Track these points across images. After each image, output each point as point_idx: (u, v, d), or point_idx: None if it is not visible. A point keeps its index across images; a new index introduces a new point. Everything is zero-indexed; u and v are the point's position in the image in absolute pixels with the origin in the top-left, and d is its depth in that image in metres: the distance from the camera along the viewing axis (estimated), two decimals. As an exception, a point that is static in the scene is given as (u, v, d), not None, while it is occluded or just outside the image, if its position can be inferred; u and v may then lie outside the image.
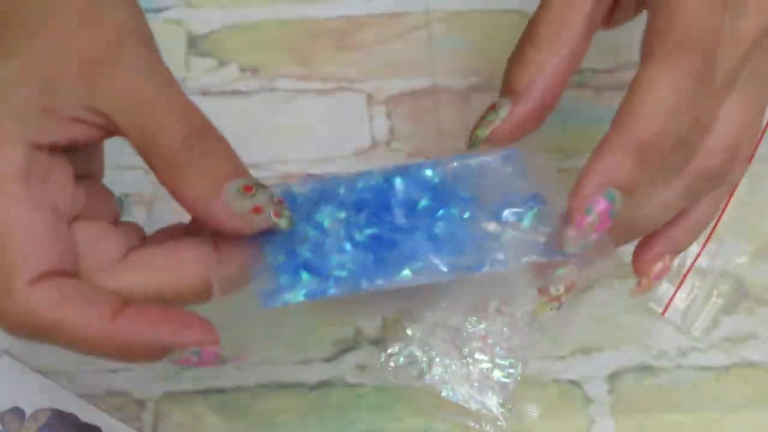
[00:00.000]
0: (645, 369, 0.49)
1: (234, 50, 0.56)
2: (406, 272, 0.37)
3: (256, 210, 0.35)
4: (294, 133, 0.54)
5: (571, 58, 0.41)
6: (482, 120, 0.41)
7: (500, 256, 0.37)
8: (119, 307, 0.35)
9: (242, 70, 0.56)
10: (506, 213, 0.38)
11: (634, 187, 0.37)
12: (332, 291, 0.37)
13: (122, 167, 0.52)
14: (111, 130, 0.36)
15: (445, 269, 0.37)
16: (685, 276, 0.51)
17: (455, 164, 0.40)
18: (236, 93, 0.55)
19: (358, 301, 0.37)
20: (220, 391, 0.48)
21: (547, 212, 0.38)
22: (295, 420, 0.47)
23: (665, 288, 0.50)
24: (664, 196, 0.40)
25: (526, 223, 0.38)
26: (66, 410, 0.46)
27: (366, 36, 0.57)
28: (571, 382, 0.49)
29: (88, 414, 0.46)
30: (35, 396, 0.47)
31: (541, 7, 0.41)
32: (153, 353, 0.35)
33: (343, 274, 0.37)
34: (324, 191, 0.39)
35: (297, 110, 0.55)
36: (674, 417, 0.48)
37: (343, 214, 0.38)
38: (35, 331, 0.35)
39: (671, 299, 0.50)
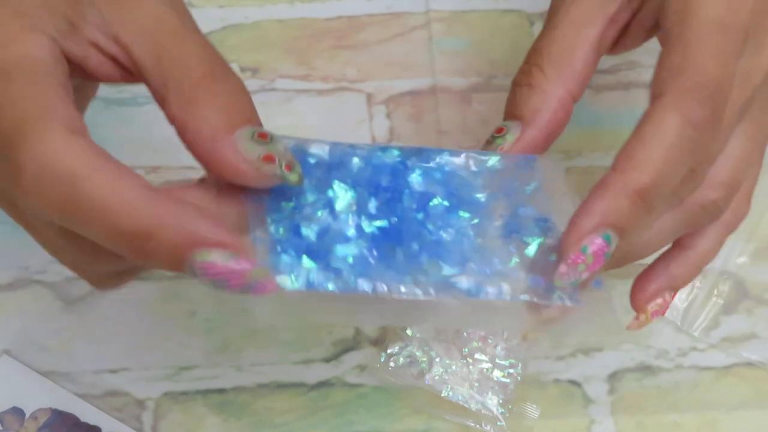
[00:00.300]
0: (645, 369, 0.49)
1: (234, 50, 0.56)
2: (408, 281, 0.36)
3: (268, 158, 0.34)
4: (294, 133, 0.54)
5: (578, 84, 0.40)
6: (490, 144, 0.40)
7: (504, 286, 0.36)
8: (159, 189, 0.33)
9: (242, 70, 0.56)
10: (514, 235, 0.38)
11: (631, 229, 0.36)
12: (331, 286, 0.35)
13: (122, 167, 0.52)
14: (125, 68, 0.36)
15: (443, 291, 0.36)
16: (685, 276, 0.51)
17: (474, 159, 0.39)
18: (236, 93, 0.55)
19: (351, 303, 0.36)
20: (220, 391, 0.48)
21: (554, 242, 0.37)
22: (295, 420, 0.47)
23: (665, 288, 0.50)
24: (660, 224, 0.39)
25: (530, 250, 0.37)
26: (66, 410, 0.46)
27: (366, 36, 0.57)
28: (571, 382, 0.49)
29: (88, 414, 0.46)
30: (35, 396, 0.47)
31: (549, 28, 0.41)
32: (180, 242, 0.32)
33: (345, 268, 0.36)
34: (339, 158, 0.38)
35: (297, 110, 0.55)
36: (674, 417, 0.48)
37: (354, 196, 0.37)
38: (60, 179, 0.32)
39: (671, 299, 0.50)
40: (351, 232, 0.36)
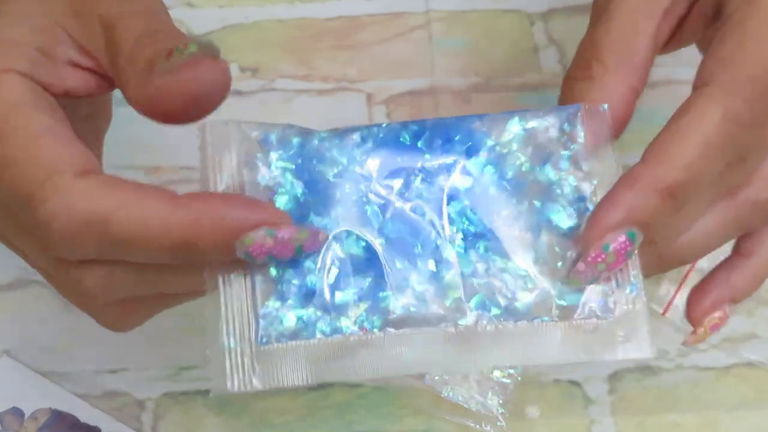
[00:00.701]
0: (645, 369, 0.49)
1: (234, 50, 0.56)
2: (424, 316, 0.33)
3: (168, 54, 0.32)
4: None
5: (640, 79, 0.37)
6: None
7: (531, 306, 0.33)
8: (177, 195, 0.32)
9: (242, 70, 0.56)
10: (545, 229, 0.34)
11: (658, 227, 0.34)
12: (348, 330, 0.33)
13: (122, 167, 0.52)
14: (106, 77, 0.35)
15: (460, 317, 0.33)
16: (685, 276, 0.51)
17: (505, 122, 0.35)
18: (236, 93, 0.55)
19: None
20: (220, 391, 0.48)
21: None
22: (295, 420, 0.47)
23: (666, 288, 0.50)
24: (707, 225, 0.37)
25: (560, 249, 0.34)
26: (65, 411, 0.46)
27: (366, 36, 0.57)
28: (571, 382, 0.49)
29: (87, 414, 0.46)
30: (35, 396, 0.47)
31: (604, 19, 0.37)
32: (222, 241, 0.32)
33: (351, 305, 0.33)
34: (340, 158, 0.35)
35: (297, 110, 0.55)
36: (674, 417, 0.48)
37: (359, 214, 0.34)
38: (88, 226, 0.32)
39: (671, 299, 0.50)
40: (360, 259, 0.34)
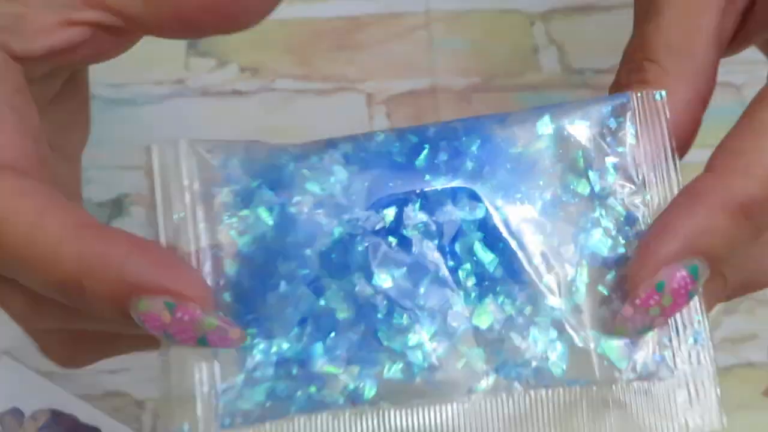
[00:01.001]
0: (645, 369, 0.49)
1: (234, 50, 0.56)
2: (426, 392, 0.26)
3: None
4: (294, 133, 0.54)
5: (705, 82, 0.30)
6: None
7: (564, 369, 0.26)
8: (93, 223, 0.26)
9: (242, 70, 0.56)
10: (584, 265, 0.27)
11: (727, 256, 0.27)
12: (334, 403, 0.26)
13: (122, 167, 0.52)
14: (112, 29, 0.30)
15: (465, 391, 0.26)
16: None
17: (536, 128, 0.28)
18: (236, 93, 0.55)
19: None
20: (220, 391, 0.48)
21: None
22: (295, 420, 0.47)
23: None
24: None
25: (604, 287, 0.27)
26: (65, 411, 0.46)
27: (366, 36, 0.57)
28: (571, 382, 0.49)
29: (87, 415, 0.46)
30: (34, 397, 0.47)
31: (653, 16, 0.30)
32: (110, 295, 0.25)
33: (352, 373, 0.26)
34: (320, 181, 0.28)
35: (297, 110, 0.55)
36: (674, 417, 0.48)
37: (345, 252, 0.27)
38: None
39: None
40: (346, 313, 0.27)
